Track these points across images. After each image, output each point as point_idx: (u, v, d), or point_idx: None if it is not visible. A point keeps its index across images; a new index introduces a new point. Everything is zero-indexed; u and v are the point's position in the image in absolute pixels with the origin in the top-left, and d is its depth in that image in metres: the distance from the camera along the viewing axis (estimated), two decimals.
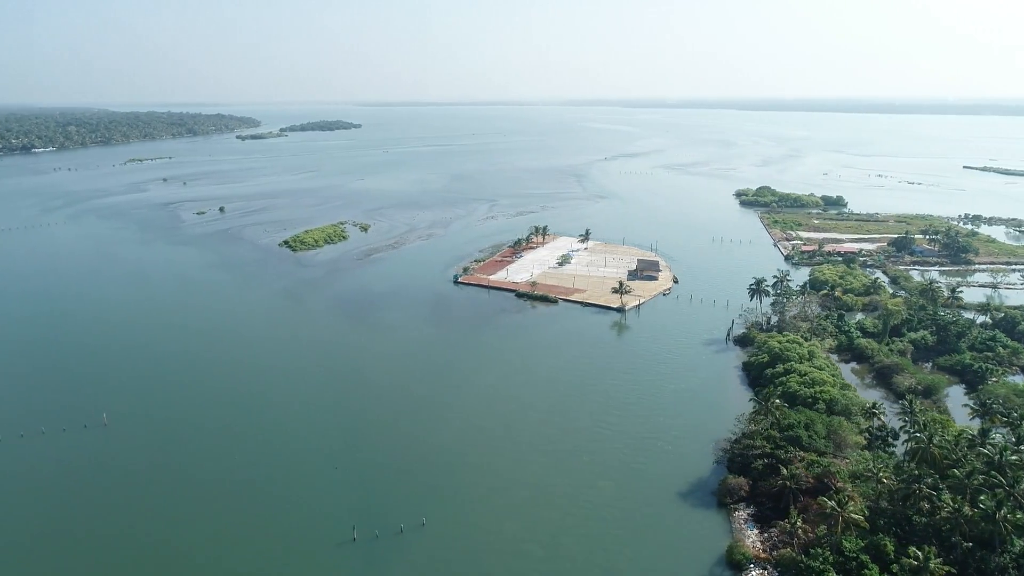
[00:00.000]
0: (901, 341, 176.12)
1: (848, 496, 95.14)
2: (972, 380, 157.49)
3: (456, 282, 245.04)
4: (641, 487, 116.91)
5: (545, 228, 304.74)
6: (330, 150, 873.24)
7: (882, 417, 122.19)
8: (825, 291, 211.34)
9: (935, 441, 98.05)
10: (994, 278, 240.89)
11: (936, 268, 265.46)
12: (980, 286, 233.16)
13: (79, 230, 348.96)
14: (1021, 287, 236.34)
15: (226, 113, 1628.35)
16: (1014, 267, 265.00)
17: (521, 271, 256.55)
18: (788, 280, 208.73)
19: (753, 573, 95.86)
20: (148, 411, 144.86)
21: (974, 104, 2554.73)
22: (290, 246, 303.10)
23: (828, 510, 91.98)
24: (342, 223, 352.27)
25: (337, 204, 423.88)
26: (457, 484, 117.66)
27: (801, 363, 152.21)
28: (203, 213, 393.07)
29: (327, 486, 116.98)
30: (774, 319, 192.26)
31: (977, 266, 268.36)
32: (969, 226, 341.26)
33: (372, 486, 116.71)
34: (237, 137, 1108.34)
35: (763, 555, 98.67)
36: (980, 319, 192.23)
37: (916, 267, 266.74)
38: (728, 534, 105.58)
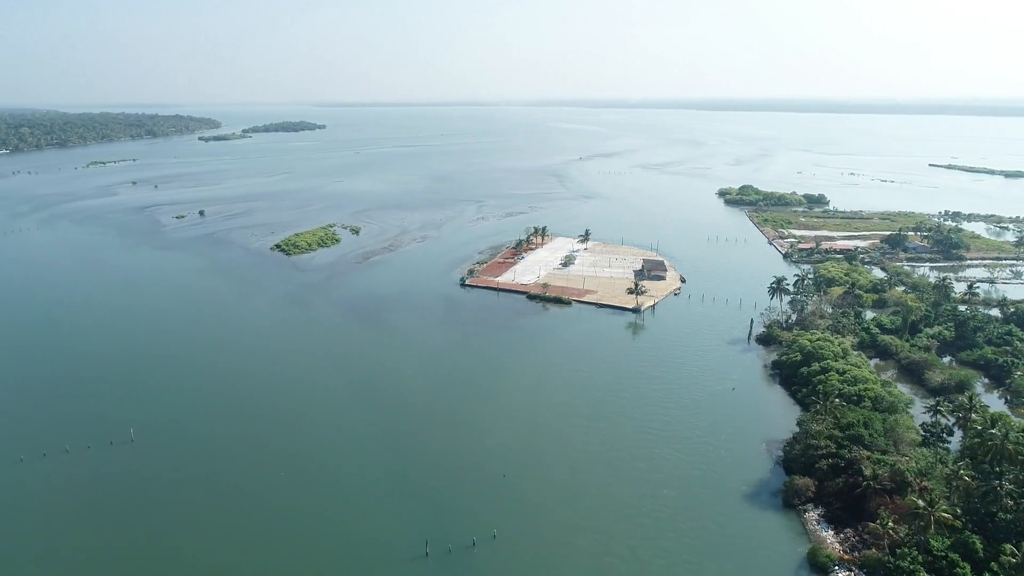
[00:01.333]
0: (922, 337, 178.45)
1: (940, 495, 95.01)
2: (997, 374, 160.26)
3: (463, 284, 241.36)
4: (704, 493, 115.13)
5: (544, 229, 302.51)
6: (299, 151, 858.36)
7: (947, 414, 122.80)
8: (845, 288, 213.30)
9: (1011, 437, 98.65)
10: (991, 273, 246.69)
11: (929, 264, 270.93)
12: (979, 281, 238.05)
13: (55, 235, 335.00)
14: (1017, 282, 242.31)
15: (184, 114, 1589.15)
16: (1003, 261, 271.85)
17: (527, 273, 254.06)
18: (809, 278, 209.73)
19: (841, 575, 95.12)
20: (176, 426, 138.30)
21: (921, 104, 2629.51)
22: (283, 250, 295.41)
23: (921, 509, 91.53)
24: (331, 226, 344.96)
25: (320, 207, 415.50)
26: (518, 495, 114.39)
27: (836, 361, 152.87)
28: (183, 217, 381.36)
29: (388, 501, 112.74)
30: (793, 317, 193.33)
31: (968, 262, 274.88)
32: (950, 223, 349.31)
33: (434, 499, 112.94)
34: (200, 139, 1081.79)
35: (846, 556, 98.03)
36: (992, 313, 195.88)
37: (910, 263, 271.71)
38: (802, 536, 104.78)
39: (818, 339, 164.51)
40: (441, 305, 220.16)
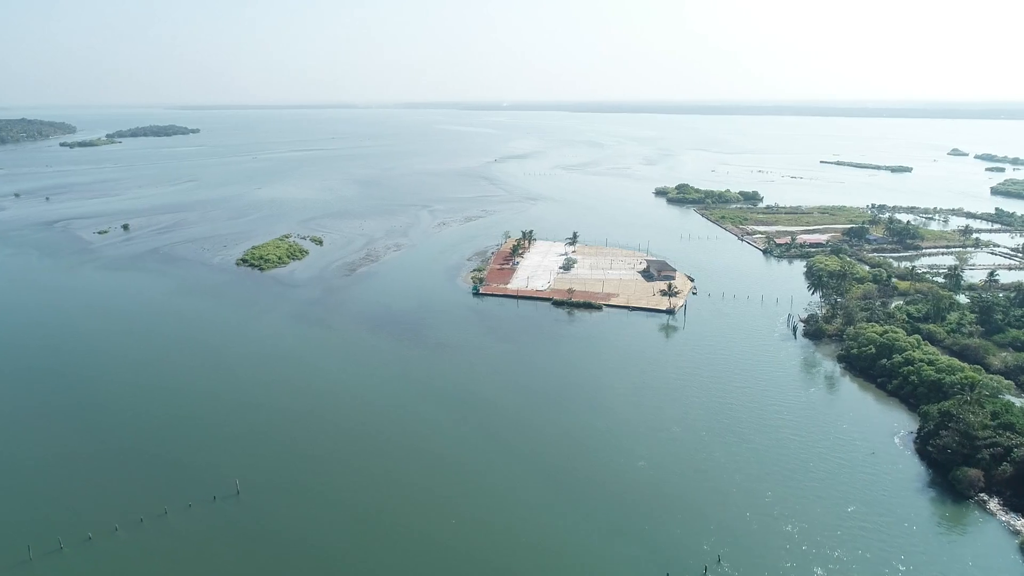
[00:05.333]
0: (951, 323, 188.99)
1: None
2: None
3: (477, 293, 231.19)
4: (884, 499, 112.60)
5: (531, 233, 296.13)
6: (186, 157, 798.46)
7: None
8: (876, 279, 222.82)
9: None
10: (957, 260, 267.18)
11: (890, 254, 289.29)
12: (948, 268, 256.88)
13: None
14: (979, 267, 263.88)
15: (31, 117, 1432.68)
16: (952, 249, 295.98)
17: (532, 278, 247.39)
18: (847, 272, 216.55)
19: None
20: (281, 476, 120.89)
21: (745, 106, 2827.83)
22: (253, 264, 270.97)
23: None
24: (287, 236, 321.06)
25: (256, 216, 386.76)
26: (712, 519, 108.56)
27: (914, 351, 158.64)
28: (105, 232, 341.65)
29: (595, 541, 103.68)
30: (825, 311, 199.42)
31: (924, 251, 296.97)
32: (880, 215, 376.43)
33: (633, 530, 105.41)
34: (61, 145, 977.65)
35: None
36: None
37: (876, 254, 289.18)
38: (1000, 527, 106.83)
39: (885, 331, 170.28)
40: (470, 316, 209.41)
